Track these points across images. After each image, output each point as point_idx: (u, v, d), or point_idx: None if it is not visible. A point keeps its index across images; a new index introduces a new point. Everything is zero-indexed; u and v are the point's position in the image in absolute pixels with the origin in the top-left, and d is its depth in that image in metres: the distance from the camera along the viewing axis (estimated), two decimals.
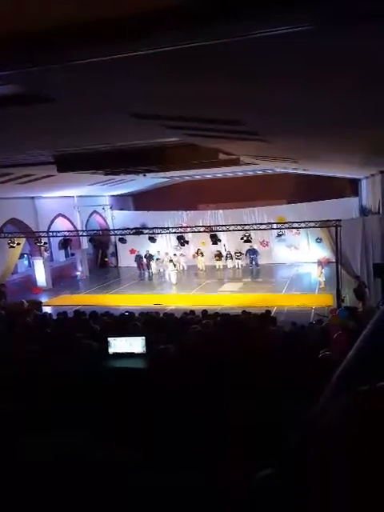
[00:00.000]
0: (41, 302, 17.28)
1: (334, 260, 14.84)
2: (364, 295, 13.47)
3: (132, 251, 24.77)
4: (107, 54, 2.43)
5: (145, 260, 24.39)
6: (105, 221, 26.87)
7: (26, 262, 23.03)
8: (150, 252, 24.19)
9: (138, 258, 24.57)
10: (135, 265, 24.71)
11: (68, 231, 21.16)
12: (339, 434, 0.73)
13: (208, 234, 18.21)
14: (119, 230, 20.82)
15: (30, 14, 2.03)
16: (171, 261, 22.08)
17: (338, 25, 2.03)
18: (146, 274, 24.14)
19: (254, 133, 6.68)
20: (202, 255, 23.89)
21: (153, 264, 24.24)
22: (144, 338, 6.48)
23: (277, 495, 0.85)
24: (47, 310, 16.14)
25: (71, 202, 23.66)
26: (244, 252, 23.50)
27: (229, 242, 23.00)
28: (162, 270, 24.17)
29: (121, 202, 28.38)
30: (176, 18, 1.97)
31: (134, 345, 6.39)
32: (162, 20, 2.01)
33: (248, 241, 18.79)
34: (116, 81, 3.38)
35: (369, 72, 3.06)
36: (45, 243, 18.86)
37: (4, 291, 17.69)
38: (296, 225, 16.75)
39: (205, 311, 11.75)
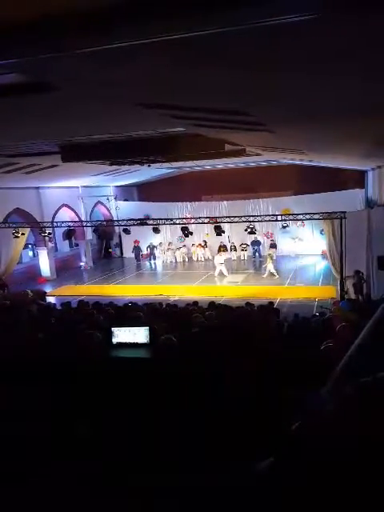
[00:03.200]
0: (45, 292, 17.38)
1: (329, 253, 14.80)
2: (362, 289, 13.43)
3: (136, 242, 24.83)
4: (111, 43, 2.41)
5: (147, 251, 24.48)
6: (109, 211, 26.87)
7: (30, 253, 23.12)
8: (153, 243, 24.26)
9: (136, 250, 24.67)
10: (140, 256, 24.85)
11: (72, 222, 21.18)
12: (341, 423, 0.73)
13: (212, 226, 18.15)
14: (123, 220, 20.81)
15: (32, 2, 2.00)
16: (220, 251, 21.49)
17: (342, 12, 1.99)
18: (149, 264, 24.24)
19: (260, 123, 6.63)
20: (205, 246, 23.95)
21: (156, 253, 24.36)
22: (148, 328, 6.50)
23: (278, 483, 0.85)
24: (51, 300, 16.22)
25: (76, 192, 23.66)
26: (248, 243, 23.52)
27: (233, 233, 22.97)
28: (166, 260, 24.32)
29: (125, 192, 28.34)
30: (180, 6, 1.95)
31: (137, 335, 6.41)
32: (168, 8, 1.98)
33: (252, 232, 18.72)
34: (120, 70, 3.35)
35: (374, 61, 3.02)
36: (49, 233, 18.90)
37: (5, 282, 17.78)
38: (301, 216, 16.66)
39: (212, 303, 11.77)
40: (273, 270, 19.16)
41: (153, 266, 24.15)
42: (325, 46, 2.65)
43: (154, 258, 24.50)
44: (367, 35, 2.43)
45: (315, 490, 0.74)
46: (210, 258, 23.53)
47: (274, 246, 23.25)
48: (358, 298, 13.10)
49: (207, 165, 20.95)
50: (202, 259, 24.03)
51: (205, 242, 23.93)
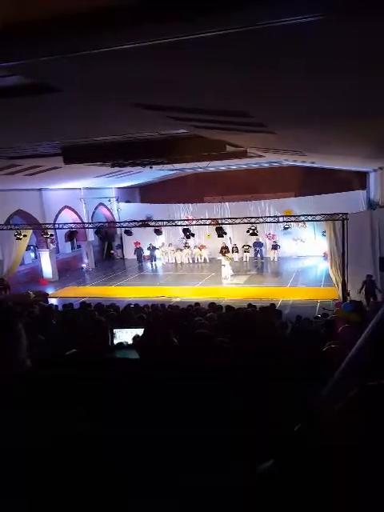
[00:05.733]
0: (47, 294, 17.41)
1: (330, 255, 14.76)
2: (374, 292, 13.32)
3: (136, 244, 24.86)
4: (113, 45, 2.41)
5: (148, 252, 24.48)
6: (111, 213, 26.91)
7: (32, 254, 23.17)
8: (153, 244, 24.28)
9: (138, 251, 24.72)
10: (142, 257, 24.88)
11: (74, 223, 21.23)
12: (345, 427, 0.73)
13: (213, 227, 18.15)
14: (125, 222, 20.82)
15: (33, 4, 2.01)
16: (223, 253, 21.50)
17: (348, 14, 1.99)
18: (151, 265, 24.26)
19: (261, 124, 6.63)
20: (205, 247, 23.97)
21: (157, 254, 24.37)
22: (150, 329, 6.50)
23: (280, 487, 0.84)
24: (53, 301, 16.24)
25: (78, 193, 23.69)
26: (251, 244, 23.52)
27: (235, 234, 22.97)
28: (167, 261, 24.35)
29: (127, 194, 28.38)
30: (183, 7, 1.94)
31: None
32: (170, 9, 1.98)
33: (254, 234, 18.71)
34: (122, 71, 3.35)
35: (377, 63, 3.01)
36: (51, 235, 18.94)
37: (7, 284, 17.83)
38: (302, 218, 16.67)
39: (212, 304, 11.77)
40: (226, 273, 19.22)
41: (154, 267, 24.15)
42: (329, 48, 2.65)
43: (155, 260, 24.50)
44: (371, 37, 2.43)
45: (316, 492, 0.74)
46: (208, 260, 23.60)
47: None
48: (368, 301, 13.02)
49: (209, 166, 20.99)
50: (207, 260, 24.01)
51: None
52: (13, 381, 1.08)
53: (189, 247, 24.10)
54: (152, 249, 24.39)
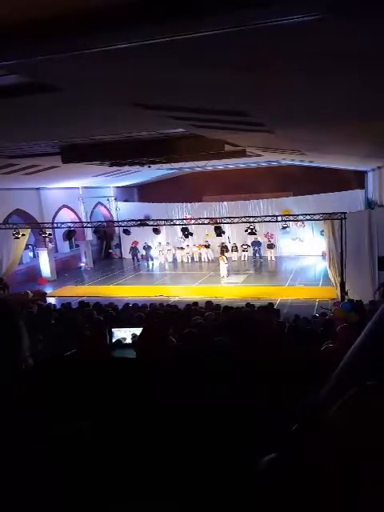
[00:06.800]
0: (45, 293, 17.40)
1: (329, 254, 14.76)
2: None
3: (134, 243, 24.83)
4: (112, 44, 2.41)
5: (144, 251, 24.45)
6: (109, 212, 26.88)
7: (30, 254, 23.13)
8: (148, 243, 24.26)
9: (133, 250, 24.72)
10: (137, 257, 24.87)
11: (72, 222, 21.21)
12: (343, 427, 0.73)
13: (212, 226, 18.15)
14: (124, 221, 20.80)
15: (32, 3, 2.00)
16: (222, 252, 21.51)
17: (344, 14, 1.99)
18: (147, 265, 24.25)
19: (260, 124, 6.63)
20: (208, 247, 23.93)
21: (154, 254, 24.36)
22: (148, 328, 6.50)
23: (279, 487, 0.85)
24: (51, 300, 16.22)
25: (76, 193, 23.64)
26: (249, 244, 23.52)
27: (233, 234, 22.97)
28: (162, 261, 24.34)
29: (125, 193, 28.35)
30: (183, 6, 1.94)
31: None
32: (169, 8, 1.98)
33: (253, 233, 18.72)
34: (121, 71, 3.35)
35: (376, 64, 3.02)
36: (49, 234, 18.91)
37: (6, 283, 17.83)
38: (301, 217, 16.69)
39: (209, 303, 11.77)
40: (224, 272, 19.42)
41: (150, 266, 24.11)
42: (327, 48, 2.65)
43: (151, 259, 24.47)
44: (370, 38, 2.43)
45: (315, 492, 0.74)
46: (212, 259, 23.60)
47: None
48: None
49: (207, 165, 20.98)
50: (206, 260, 23.99)
51: (207, 242, 23.86)
52: (15, 379, 1.08)
53: (188, 246, 24.08)
54: (147, 248, 24.33)
